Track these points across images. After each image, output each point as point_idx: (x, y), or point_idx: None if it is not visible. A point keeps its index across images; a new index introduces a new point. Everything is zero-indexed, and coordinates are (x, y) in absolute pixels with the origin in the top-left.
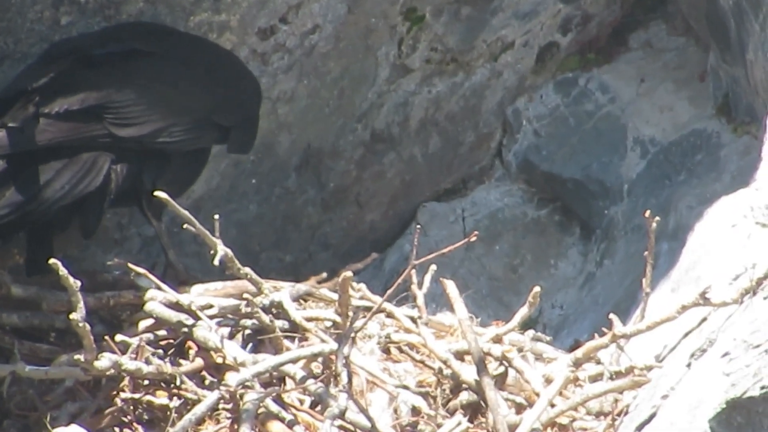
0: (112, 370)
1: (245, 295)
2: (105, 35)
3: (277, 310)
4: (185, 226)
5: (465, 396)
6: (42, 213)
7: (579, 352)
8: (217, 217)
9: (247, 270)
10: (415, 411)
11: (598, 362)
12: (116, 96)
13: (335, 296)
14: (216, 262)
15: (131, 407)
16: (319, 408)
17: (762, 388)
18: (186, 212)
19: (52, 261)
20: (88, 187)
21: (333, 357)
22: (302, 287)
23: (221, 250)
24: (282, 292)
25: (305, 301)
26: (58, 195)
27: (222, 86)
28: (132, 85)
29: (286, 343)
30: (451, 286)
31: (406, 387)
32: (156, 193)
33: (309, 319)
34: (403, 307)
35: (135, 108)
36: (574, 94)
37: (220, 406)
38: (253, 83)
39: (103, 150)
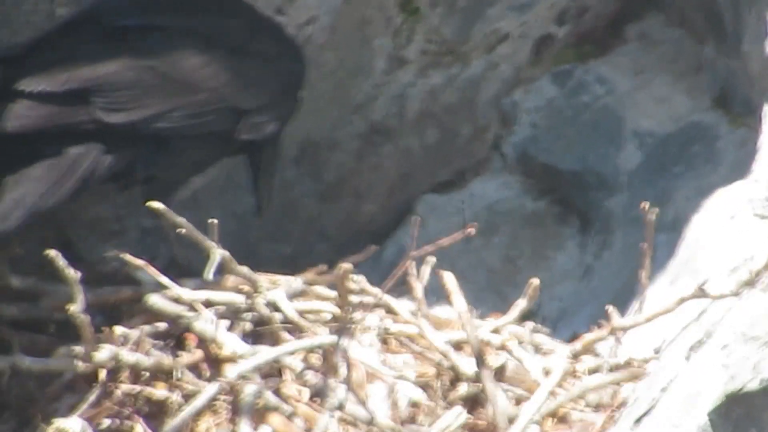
0: (112, 362)
1: (244, 288)
2: (140, 3)
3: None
4: (183, 230)
5: (464, 388)
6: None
7: (577, 345)
8: (215, 221)
9: (245, 270)
10: (415, 403)
11: (597, 354)
12: (108, 78)
13: (332, 293)
14: (212, 269)
15: (131, 399)
16: (318, 400)
17: (761, 380)
18: (182, 219)
19: (50, 253)
20: (61, 194)
21: (332, 349)
22: (298, 285)
23: (218, 255)
24: (278, 291)
25: (305, 292)
26: (25, 213)
27: (248, 66)
28: (133, 66)
29: (285, 335)
30: (449, 278)
31: (405, 379)
32: (149, 204)
33: (308, 312)
34: (402, 299)
35: (129, 91)
36: (570, 85)
37: (220, 398)
38: (294, 66)
39: (90, 138)
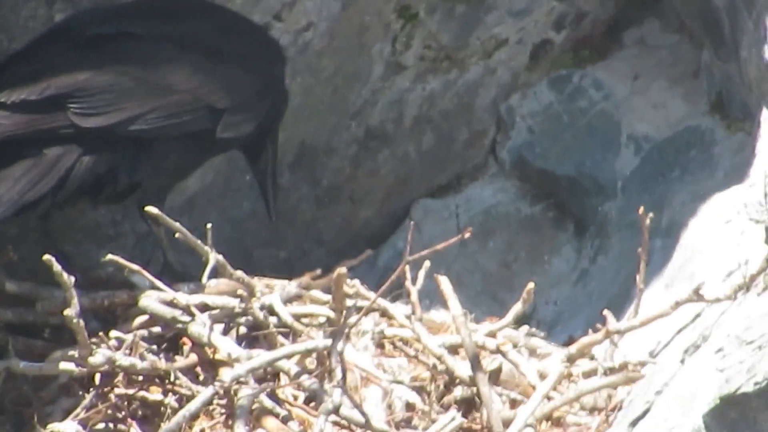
0: (107, 366)
1: (239, 292)
2: (113, 12)
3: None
4: (177, 235)
5: (459, 391)
6: None
7: (573, 348)
8: (209, 226)
9: (240, 274)
10: (410, 406)
11: (592, 358)
12: (84, 83)
13: (326, 297)
14: (207, 273)
15: (125, 403)
16: (313, 404)
17: (756, 383)
18: (177, 224)
19: (46, 257)
20: (41, 191)
21: (327, 353)
22: (293, 289)
23: (213, 258)
24: (273, 295)
25: (300, 297)
26: (5, 209)
27: (223, 67)
28: (108, 71)
29: (281, 339)
30: (445, 283)
31: (400, 382)
32: (147, 208)
33: (304, 315)
34: (397, 304)
35: (105, 95)
36: (567, 91)
37: (215, 401)
38: (271, 65)
39: (69, 142)
